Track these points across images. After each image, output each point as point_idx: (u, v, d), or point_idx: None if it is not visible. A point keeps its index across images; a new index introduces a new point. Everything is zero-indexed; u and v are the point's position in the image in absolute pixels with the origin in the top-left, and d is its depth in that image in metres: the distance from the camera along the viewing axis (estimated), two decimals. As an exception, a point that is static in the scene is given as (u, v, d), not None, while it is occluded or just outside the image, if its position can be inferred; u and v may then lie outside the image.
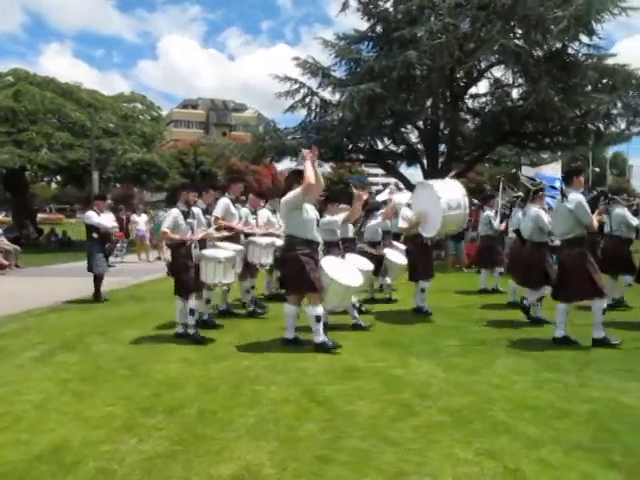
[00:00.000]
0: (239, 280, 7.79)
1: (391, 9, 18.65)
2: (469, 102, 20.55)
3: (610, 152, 52.26)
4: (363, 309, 7.92)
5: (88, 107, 22.62)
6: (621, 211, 8.35)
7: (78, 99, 23.33)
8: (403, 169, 22.64)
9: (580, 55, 17.67)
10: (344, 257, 6.74)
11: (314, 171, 5.70)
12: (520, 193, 10.67)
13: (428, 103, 18.70)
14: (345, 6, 19.12)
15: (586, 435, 3.64)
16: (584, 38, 17.09)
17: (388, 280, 9.12)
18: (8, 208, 34.61)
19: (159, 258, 16.71)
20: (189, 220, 6.45)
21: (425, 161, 20.44)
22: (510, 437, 3.59)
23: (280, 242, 7.78)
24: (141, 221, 16.92)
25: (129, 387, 4.65)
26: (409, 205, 8.28)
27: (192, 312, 6.28)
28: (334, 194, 7.91)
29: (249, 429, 3.75)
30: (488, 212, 10.14)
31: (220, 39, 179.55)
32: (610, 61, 17.78)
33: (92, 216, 9.26)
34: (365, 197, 7.19)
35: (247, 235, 7.75)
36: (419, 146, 21.17)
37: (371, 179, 58.67)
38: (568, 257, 6.13)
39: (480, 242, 10.68)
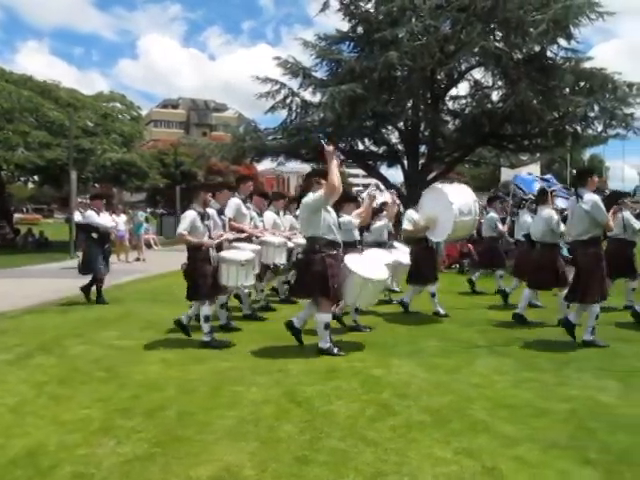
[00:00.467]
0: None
1: (372, 10, 18.76)
2: (449, 104, 20.74)
3: (587, 154, 53.08)
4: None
5: (67, 106, 22.30)
6: (625, 214, 8.39)
7: (56, 98, 23.00)
8: (384, 170, 22.78)
9: (558, 58, 17.94)
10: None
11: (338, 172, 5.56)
12: (530, 196, 10.78)
13: (409, 104, 18.82)
14: (326, 6, 19.18)
15: (563, 433, 3.68)
16: (562, 42, 17.37)
17: (394, 285, 9.11)
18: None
19: (138, 259, 16.59)
20: (206, 222, 6.23)
21: (406, 162, 20.56)
22: (488, 436, 3.62)
23: (292, 242, 7.82)
24: (120, 221, 16.71)
25: (107, 389, 4.59)
26: (416, 207, 8.24)
27: (207, 319, 6.07)
28: (349, 193, 7.86)
29: (229, 430, 3.72)
30: (492, 214, 10.12)
31: (201, 38, 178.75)
32: (587, 65, 18.09)
33: (92, 216, 9.00)
34: (375, 198, 7.17)
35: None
36: (400, 147, 21.29)
37: (352, 180, 58.76)
38: (583, 258, 6.17)
39: (483, 244, 10.70)
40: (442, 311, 7.99)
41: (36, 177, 26.38)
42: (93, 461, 3.27)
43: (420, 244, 8.03)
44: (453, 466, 3.19)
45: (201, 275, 6.05)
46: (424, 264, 7.97)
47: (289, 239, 7.82)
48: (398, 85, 17.92)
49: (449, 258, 14.65)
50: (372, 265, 6.20)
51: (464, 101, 20.58)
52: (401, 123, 19.97)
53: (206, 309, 6.11)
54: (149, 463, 3.25)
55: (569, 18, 16.07)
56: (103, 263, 9.08)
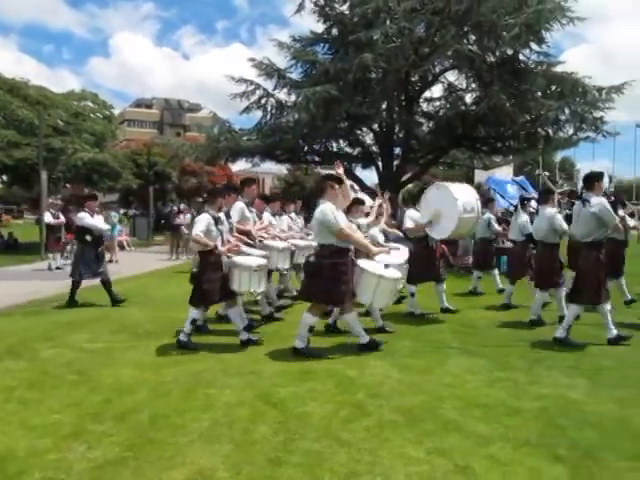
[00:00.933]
0: None
1: (347, 12, 18.78)
2: (424, 106, 20.88)
3: (559, 156, 54.05)
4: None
5: (36, 104, 21.88)
6: (620, 214, 8.51)
7: (25, 96, 22.56)
8: (358, 171, 22.84)
9: (530, 62, 18.20)
10: None
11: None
12: (533, 195, 10.84)
13: (383, 106, 18.89)
14: (301, 7, 19.15)
15: (534, 431, 3.76)
16: (534, 46, 17.62)
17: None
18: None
19: (111, 260, 16.35)
20: (219, 227, 6.17)
21: (380, 163, 20.66)
22: (461, 435, 3.67)
23: (299, 243, 7.90)
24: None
25: (78, 393, 4.52)
26: (416, 207, 8.28)
27: (193, 321, 6.06)
28: (358, 197, 7.88)
29: (202, 433, 3.70)
30: (488, 214, 10.18)
31: (175, 37, 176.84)
32: (558, 69, 18.38)
33: (85, 217, 8.75)
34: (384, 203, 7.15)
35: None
36: (374, 148, 21.38)
37: (327, 181, 58.86)
38: (584, 260, 6.28)
39: (476, 244, 10.78)
40: (452, 307, 8.23)
41: (5, 177, 25.80)
42: (63, 466, 3.23)
43: (420, 243, 8.08)
44: (425, 465, 3.23)
45: (207, 280, 5.99)
46: (424, 263, 8.00)
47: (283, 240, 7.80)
48: (373, 87, 17.99)
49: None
50: (384, 265, 6.26)
51: (438, 103, 20.76)
52: (375, 125, 20.05)
53: (197, 313, 6.10)
54: (121, 467, 3.22)
55: (541, 22, 16.33)
56: (94, 266, 8.83)
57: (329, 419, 3.94)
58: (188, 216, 17.62)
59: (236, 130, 20.53)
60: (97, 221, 8.92)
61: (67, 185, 29.32)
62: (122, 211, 28.51)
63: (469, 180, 23.25)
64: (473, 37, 17.46)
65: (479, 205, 7.51)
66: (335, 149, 21.31)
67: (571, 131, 18.71)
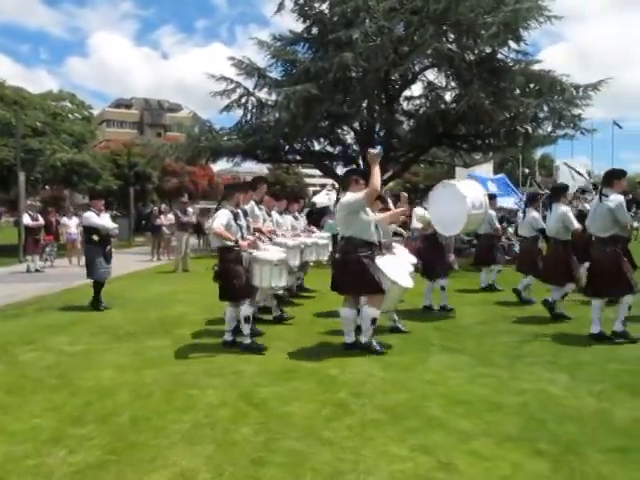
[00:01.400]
0: None
1: (327, 11, 18.82)
2: (404, 104, 21.00)
3: (538, 153, 54.54)
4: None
5: (13, 104, 21.57)
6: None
7: (2, 96, 22.24)
8: (340, 170, 22.87)
9: (509, 60, 18.40)
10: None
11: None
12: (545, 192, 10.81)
13: (364, 105, 18.96)
14: (281, 7, 19.16)
15: (516, 426, 3.79)
16: (512, 44, 17.82)
17: None
18: None
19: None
20: (239, 222, 6.12)
21: (361, 162, 20.71)
22: (443, 432, 3.69)
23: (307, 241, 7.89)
24: (72, 224, 16.31)
25: (58, 397, 4.47)
26: (424, 205, 8.24)
27: (247, 319, 5.91)
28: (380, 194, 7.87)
29: (184, 434, 3.68)
30: (490, 211, 10.19)
31: (154, 37, 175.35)
32: (536, 67, 18.61)
33: (91, 217, 8.54)
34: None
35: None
36: (355, 147, 21.45)
37: (308, 180, 58.89)
38: (601, 254, 6.33)
39: (480, 240, 10.78)
40: (448, 306, 8.20)
41: (-19, 179, 25.40)
42: (43, 472, 3.19)
43: (430, 240, 8.10)
44: (409, 463, 3.24)
45: (235, 276, 5.89)
46: (434, 260, 8.02)
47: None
48: (353, 86, 18.04)
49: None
50: (400, 269, 6.25)
51: (418, 102, 20.89)
52: (356, 123, 20.11)
53: (246, 309, 5.94)
54: (102, 471, 3.19)
55: (518, 21, 16.50)
56: (105, 266, 8.67)
57: (311, 418, 3.94)
58: (169, 216, 17.51)
59: (217, 130, 20.47)
60: (104, 220, 8.70)
61: (46, 187, 28.96)
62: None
63: (450, 178, 23.36)
64: (452, 36, 17.59)
65: (487, 201, 7.56)
66: (316, 148, 21.33)
67: (550, 128, 18.97)
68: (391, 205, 7.63)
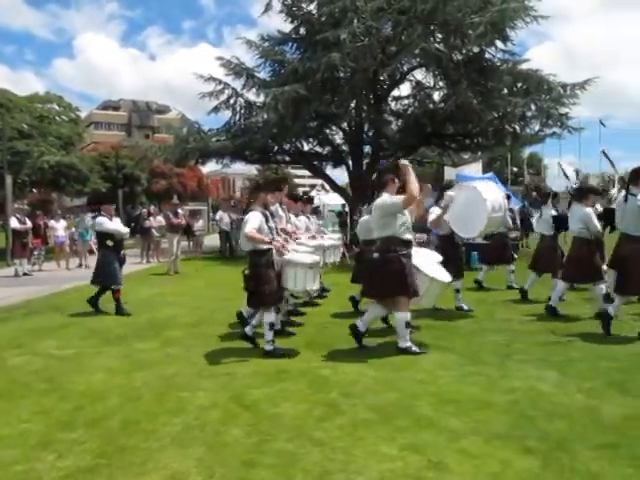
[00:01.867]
0: None
1: (314, 11, 18.80)
2: (392, 104, 21.03)
3: (527, 152, 54.91)
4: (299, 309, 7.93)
5: (-1, 107, 21.44)
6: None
7: (-13, 98, 22.11)
8: (329, 170, 22.92)
9: (496, 60, 18.48)
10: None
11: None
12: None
13: (352, 105, 18.97)
14: (268, 7, 19.12)
15: (506, 424, 3.81)
16: (499, 44, 17.90)
17: None
18: None
19: (81, 265, 16.09)
20: (269, 224, 6.00)
21: (350, 162, 20.74)
22: (433, 431, 3.70)
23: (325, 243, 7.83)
24: (60, 227, 16.20)
25: (47, 401, 4.44)
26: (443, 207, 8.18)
27: (271, 326, 5.80)
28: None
29: (175, 437, 3.67)
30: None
31: (140, 38, 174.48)
32: (524, 66, 18.71)
33: (105, 222, 8.34)
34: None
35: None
36: (344, 147, 21.46)
37: (297, 181, 58.80)
38: (633, 252, 6.32)
39: (493, 239, 10.57)
40: (465, 307, 8.18)
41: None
42: (32, 477, 3.17)
43: (446, 240, 8.08)
44: (399, 462, 3.25)
45: (266, 281, 5.77)
46: (450, 260, 7.82)
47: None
48: (341, 86, 18.04)
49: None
50: (435, 266, 6.31)
51: (406, 102, 20.93)
52: (345, 124, 20.13)
53: (270, 316, 5.82)
54: (92, 475, 3.17)
55: (505, 21, 16.58)
56: (119, 273, 8.48)
57: (302, 419, 3.93)
58: (159, 218, 17.43)
59: (205, 131, 20.39)
60: (116, 224, 8.58)
61: (33, 189, 28.74)
62: (90, 215, 27.99)
63: (439, 177, 23.47)
64: (440, 36, 17.64)
65: (505, 203, 7.56)
66: (305, 148, 21.33)
67: (537, 127, 19.08)
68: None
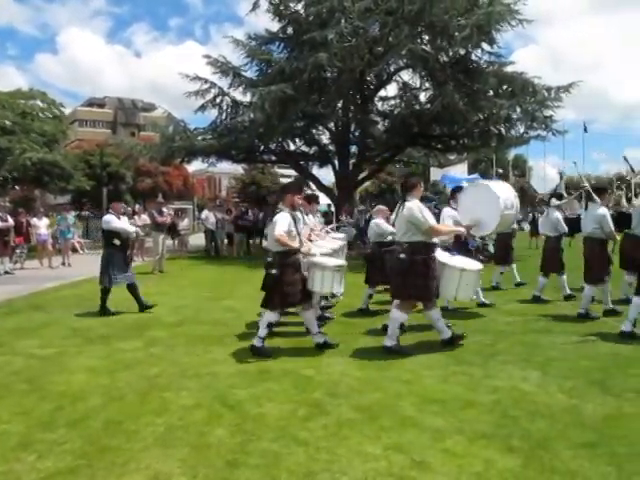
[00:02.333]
0: None
1: (302, 11, 18.84)
2: (379, 105, 21.14)
3: (512, 154, 55.41)
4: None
5: (-21, 102, 21.17)
6: None
7: (-33, 93, 21.81)
8: (315, 170, 22.96)
9: (482, 62, 18.67)
10: None
11: None
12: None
13: (339, 105, 19.03)
14: (256, 6, 19.11)
15: (489, 424, 3.83)
16: (485, 46, 18.09)
17: None
18: None
19: (64, 263, 15.94)
20: (298, 225, 5.94)
21: (336, 162, 20.78)
22: (417, 430, 3.71)
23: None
24: (42, 225, 16.02)
25: (27, 402, 4.37)
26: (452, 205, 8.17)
27: (270, 325, 5.78)
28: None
29: (157, 437, 3.64)
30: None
31: (126, 35, 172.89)
32: (509, 69, 18.92)
33: (112, 220, 8.15)
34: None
35: None
36: (330, 147, 21.51)
37: (283, 180, 58.62)
38: None
39: (497, 240, 10.68)
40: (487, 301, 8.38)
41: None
42: (10, 478, 3.12)
43: (459, 242, 7.99)
44: (383, 461, 3.26)
45: (290, 283, 5.72)
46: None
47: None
48: (328, 86, 18.08)
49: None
50: (462, 259, 6.36)
51: (393, 102, 21.05)
52: (331, 124, 20.18)
53: (273, 316, 5.80)
54: (73, 476, 3.14)
55: (491, 24, 16.75)
56: (122, 273, 8.24)
57: (287, 419, 3.92)
58: (143, 217, 17.30)
59: (191, 129, 20.31)
60: (124, 223, 8.44)
61: (16, 187, 28.41)
62: (74, 213, 27.74)
63: (425, 178, 23.59)
64: (426, 37, 17.77)
65: (517, 201, 7.59)
66: (292, 148, 21.34)
67: (522, 129, 19.30)
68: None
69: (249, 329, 6.95)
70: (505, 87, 18.34)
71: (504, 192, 7.36)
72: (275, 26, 19.66)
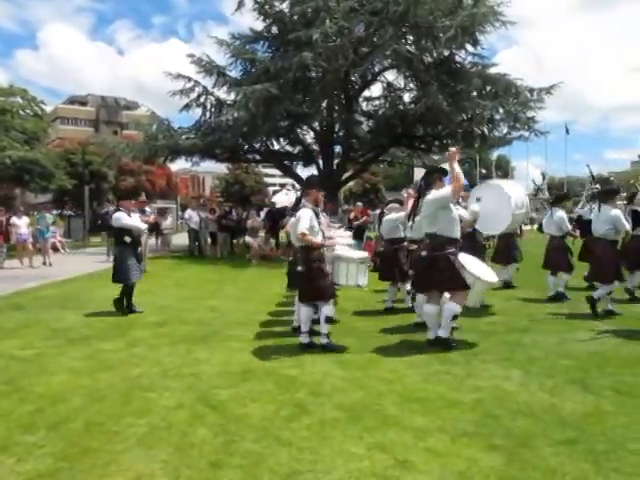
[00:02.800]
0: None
1: (287, 10, 18.81)
2: (363, 105, 21.19)
3: (495, 155, 55.94)
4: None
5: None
6: None
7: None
8: (299, 169, 22.96)
9: (466, 63, 18.83)
10: None
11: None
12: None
13: (323, 105, 19.05)
14: (241, 5, 19.04)
15: (471, 422, 3.85)
16: (469, 47, 18.25)
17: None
18: None
19: (44, 263, 15.75)
20: (320, 221, 5.94)
21: (321, 162, 20.79)
22: (400, 429, 3.72)
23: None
24: (22, 224, 15.81)
25: (7, 404, 4.31)
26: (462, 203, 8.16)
27: (328, 320, 5.84)
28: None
29: (140, 439, 3.61)
30: None
31: (109, 32, 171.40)
32: (492, 70, 19.09)
33: (122, 217, 8.02)
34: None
35: None
36: (315, 147, 21.53)
37: (267, 180, 58.65)
38: None
39: (500, 239, 10.59)
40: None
41: None
42: (-11, 481, 3.08)
43: (468, 239, 8.02)
44: (366, 461, 3.26)
45: (322, 276, 5.81)
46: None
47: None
48: (312, 86, 18.08)
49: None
50: (480, 265, 6.35)
51: (377, 102, 21.12)
52: (316, 123, 20.19)
53: (329, 309, 5.86)
54: (53, 479, 3.09)
55: (475, 25, 16.89)
56: (137, 268, 8.21)
57: (270, 419, 3.92)
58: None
59: (175, 128, 20.20)
60: (135, 220, 8.30)
61: (-4, 185, 28.01)
62: (55, 212, 27.41)
63: (409, 178, 23.68)
64: (411, 38, 17.86)
65: (527, 200, 7.60)
66: (276, 147, 21.31)
67: (505, 130, 19.48)
68: None
69: (232, 329, 6.93)
70: (488, 88, 18.50)
71: (515, 192, 7.43)
72: (260, 25, 19.64)
